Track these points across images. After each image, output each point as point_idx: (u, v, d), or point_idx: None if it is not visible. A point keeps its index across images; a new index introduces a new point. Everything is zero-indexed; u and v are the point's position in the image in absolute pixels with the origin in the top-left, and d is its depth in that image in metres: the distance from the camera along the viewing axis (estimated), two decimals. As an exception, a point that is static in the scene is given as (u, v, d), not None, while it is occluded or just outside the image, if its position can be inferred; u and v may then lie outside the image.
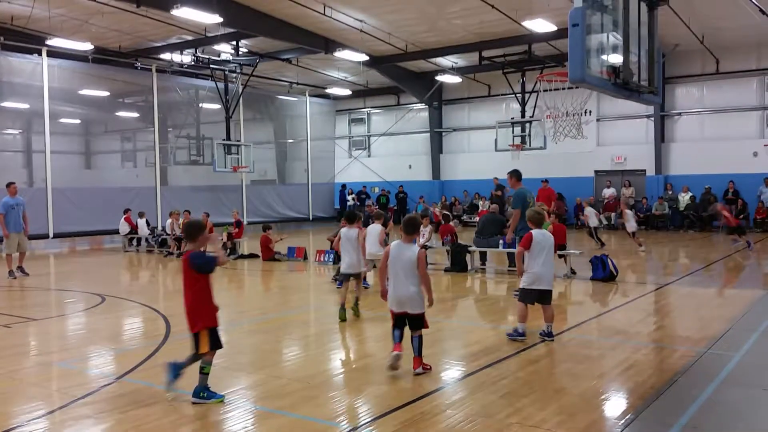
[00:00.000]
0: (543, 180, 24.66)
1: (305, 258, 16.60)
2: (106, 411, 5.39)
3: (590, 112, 25.24)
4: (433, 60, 26.57)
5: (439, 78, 27.30)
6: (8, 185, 14.26)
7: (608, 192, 25.66)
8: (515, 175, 11.36)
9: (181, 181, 27.81)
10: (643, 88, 7.52)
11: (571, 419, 5.03)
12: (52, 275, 15.85)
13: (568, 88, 14.50)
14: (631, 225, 17.17)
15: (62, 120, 25.92)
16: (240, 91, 25.19)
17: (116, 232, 21.01)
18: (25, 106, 23.67)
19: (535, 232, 7.56)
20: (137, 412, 5.32)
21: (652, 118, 25.32)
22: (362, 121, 33.97)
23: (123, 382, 6.19)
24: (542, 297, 7.56)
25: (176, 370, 5.55)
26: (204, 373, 5.51)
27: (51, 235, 20.48)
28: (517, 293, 10.09)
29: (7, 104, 24.26)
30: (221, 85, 24.59)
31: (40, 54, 20.56)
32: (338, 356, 7.50)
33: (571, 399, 5.53)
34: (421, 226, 14.83)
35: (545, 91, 15.05)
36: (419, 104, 30.79)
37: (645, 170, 25.79)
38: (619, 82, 6.60)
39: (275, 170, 32.96)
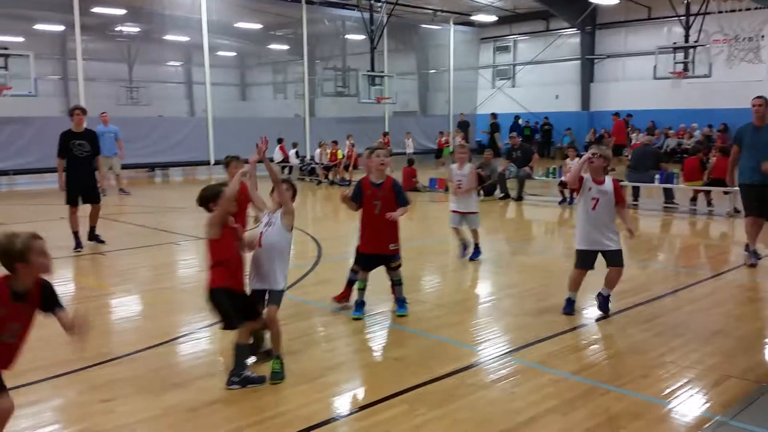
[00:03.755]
0: (613, 114, 23.36)
1: (446, 190, 16.62)
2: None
3: (764, 36, 22.70)
4: (589, -21, 24.85)
5: (594, 0, 25.54)
6: (101, 114, 15.97)
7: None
8: None
9: (328, 113, 28.55)
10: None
11: (729, 361, 4.76)
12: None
13: (745, 9, 13.02)
14: None
15: (219, 53, 27.27)
16: (384, 21, 25.11)
17: (270, 160, 22.08)
18: (186, 38, 25.09)
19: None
20: (297, 324, 5.70)
21: (840, 41, 22.31)
22: (507, 50, 32.77)
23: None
24: None
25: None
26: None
27: (212, 161, 21.93)
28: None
29: (169, 37, 25.92)
30: (366, 15, 24.64)
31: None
32: (480, 285, 7.54)
33: (730, 341, 5.21)
34: (567, 159, 14.34)
35: (718, 12, 13.62)
36: (570, 29, 29.13)
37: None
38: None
39: (417, 101, 32.89)
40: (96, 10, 22.71)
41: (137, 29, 28.14)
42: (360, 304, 5.94)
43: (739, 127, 8.29)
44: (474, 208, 8.33)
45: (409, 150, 25.04)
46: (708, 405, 4.07)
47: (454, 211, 8.32)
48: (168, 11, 22.65)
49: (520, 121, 29.54)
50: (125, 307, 6.68)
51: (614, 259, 5.78)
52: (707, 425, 3.78)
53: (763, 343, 5.24)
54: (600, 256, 5.82)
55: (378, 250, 5.87)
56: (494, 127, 26.21)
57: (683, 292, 6.77)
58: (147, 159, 21.35)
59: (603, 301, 5.93)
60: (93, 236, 9.45)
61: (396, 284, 6.00)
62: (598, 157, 5.76)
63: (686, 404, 4.09)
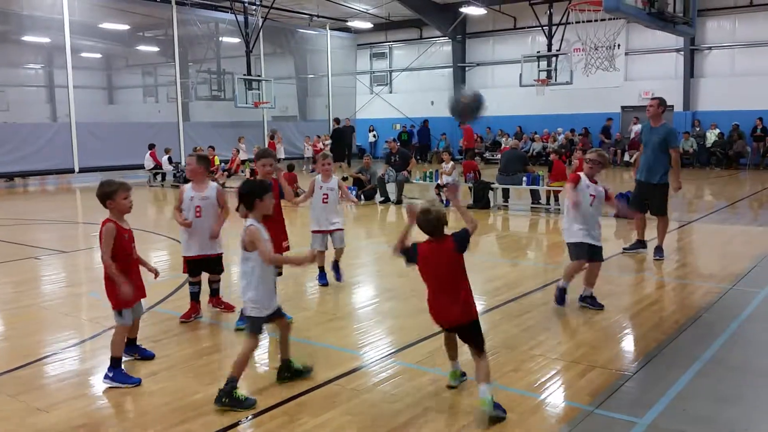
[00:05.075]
0: None
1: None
2: (137, 341, 5.54)
3: (619, 45, 24.53)
4: (458, -9, 25.83)
5: (464, 10, 26.56)
6: None
7: (636, 128, 25.13)
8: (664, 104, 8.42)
9: (203, 117, 27.74)
10: (678, 19, 7.28)
11: (594, 352, 5.08)
12: (79, 209, 16.11)
13: (600, 19, 13.98)
14: None
15: (83, 54, 25.79)
16: (260, 24, 24.78)
17: (140, 167, 21.18)
18: (47, 40, 23.54)
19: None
20: (168, 341, 5.47)
21: (682, 53, 24.56)
22: (384, 56, 33.35)
23: (153, 312, 6.34)
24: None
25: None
26: None
27: (76, 169, 20.69)
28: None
29: (28, 38, 24.18)
30: (241, 18, 24.21)
31: (59, -14, 20.29)
32: (362, 290, 7.59)
33: (594, 333, 5.57)
34: (443, 163, 14.80)
35: (577, 22, 14.47)
36: (442, 38, 30.10)
37: (673, 106, 25.19)
38: (654, 12, 6.40)
39: (296, 106, 32.68)
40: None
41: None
42: None
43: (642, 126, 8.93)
44: (341, 224, 7.21)
45: (307, 154, 25.22)
46: (576, 395, 4.31)
47: (317, 232, 7.07)
48: (27, 11, 21.15)
49: (397, 127, 30.05)
50: (-21, 329, 6.14)
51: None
52: (576, 414, 4.01)
53: (624, 334, 5.64)
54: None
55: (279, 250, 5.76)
56: (337, 133, 26.44)
57: (551, 287, 7.15)
58: (4, 168, 19.84)
59: (591, 300, 6.31)
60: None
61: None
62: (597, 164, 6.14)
63: (555, 395, 4.32)
